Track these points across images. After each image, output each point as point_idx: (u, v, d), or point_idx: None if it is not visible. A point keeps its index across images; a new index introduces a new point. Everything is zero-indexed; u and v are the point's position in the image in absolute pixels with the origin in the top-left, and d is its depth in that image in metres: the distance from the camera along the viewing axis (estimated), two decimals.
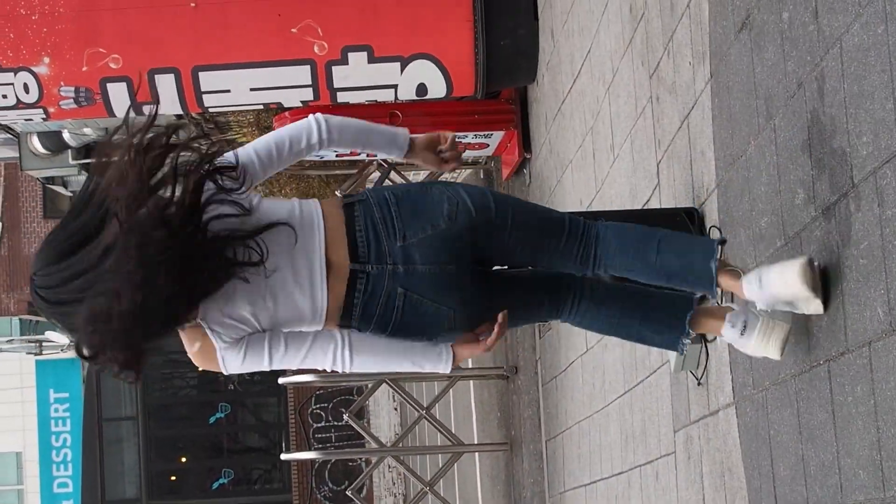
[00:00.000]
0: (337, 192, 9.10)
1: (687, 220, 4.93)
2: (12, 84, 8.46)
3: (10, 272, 25.50)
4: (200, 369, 3.84)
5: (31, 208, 25.58)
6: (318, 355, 3.71)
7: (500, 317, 3.69)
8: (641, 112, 5.96)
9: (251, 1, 8.46)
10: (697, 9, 4.96)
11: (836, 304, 3.53)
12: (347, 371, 3.76)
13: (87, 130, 12.95)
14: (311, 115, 3.85)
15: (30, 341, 28.30)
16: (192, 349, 3.70)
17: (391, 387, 10.52)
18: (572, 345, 7.70)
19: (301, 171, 10.64)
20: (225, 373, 3.76)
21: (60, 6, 8.39)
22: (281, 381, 11.11)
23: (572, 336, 7.69)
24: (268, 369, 3.76)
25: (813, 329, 3.73)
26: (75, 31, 8.45)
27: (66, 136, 13.43)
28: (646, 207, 5.75)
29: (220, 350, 3.67)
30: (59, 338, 27.29)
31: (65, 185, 16.38)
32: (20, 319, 28.01)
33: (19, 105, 8.56)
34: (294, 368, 3.81)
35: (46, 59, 8.42)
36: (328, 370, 3.76)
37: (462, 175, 12.18)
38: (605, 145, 6.72)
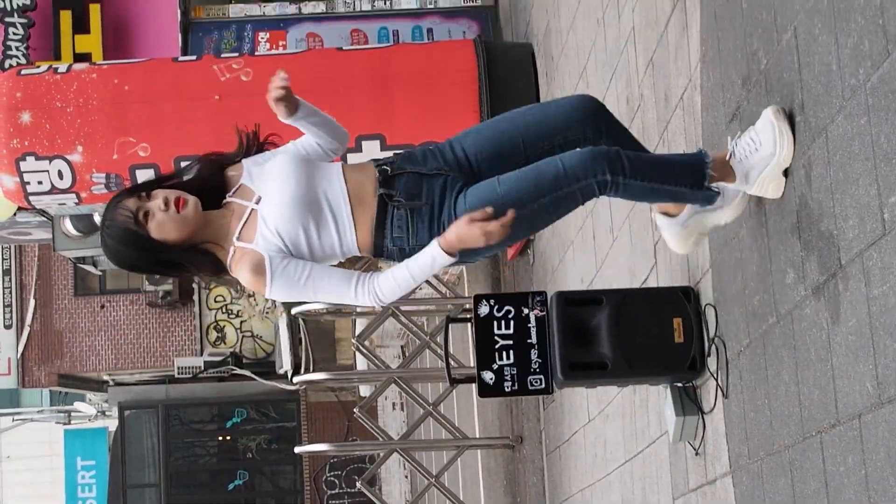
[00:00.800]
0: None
1: (683, 299, 4.93)
2: (47, 171, 8.51)
3: (42, 346, 25.45)
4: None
5: (62, 286, 25.58)
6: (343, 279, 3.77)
7: (509, 214, 3.63)
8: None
9: None
10: (690, 101, 4.99)
11: (826, 378, 3.52)
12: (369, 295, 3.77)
13: None
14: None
15: (59, 411, 28.25)
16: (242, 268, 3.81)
17: (402, 456, 10.45)
18: (575, 415, 7.66)
19: None
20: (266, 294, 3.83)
21: (94, 99, 8.47)
22: (297, 450, 11.09)
23: (575, 407, 7.66)
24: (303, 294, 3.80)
25: (804, 401, 3.72)
26: (107, 122, 8.52)
27: (96, 218, 13.48)
28: (644, 286, 5.75)
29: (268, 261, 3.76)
30: (86, 408, 27.27)
31: (94, 265, 16.44)
32: (50, 391, 27.96)
33: (53, 190, 8.61)
34: (326, 295, 3.82)
35: (80, 148, 8.48)
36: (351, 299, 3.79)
37: None
38: (604, 227, 6.73)
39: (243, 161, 3.96)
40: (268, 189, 3.82)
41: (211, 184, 3.93)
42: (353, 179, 3.83)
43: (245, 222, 3.82)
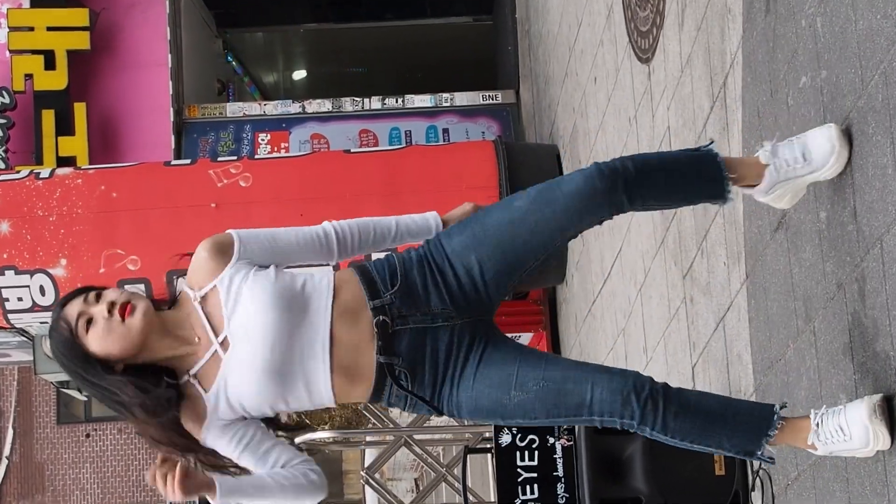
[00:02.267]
0: None
1: None
2: (28, 286, 8.53)
3: (22, 479, 25.37)
4: None
5: (44, 413, 25.56)
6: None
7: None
8: (675, 313, 5.95)
9: (272, 202, 8.56)
10: (731, 208, 4.98)
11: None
12: None
13: None
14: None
15: None
16: None
17: None
18: None
19: None
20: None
21: (79, 207, 8.52)
22: None
23: None
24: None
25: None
26: (93, 233, 8.55)
27: None
28: None
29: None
30: None
31: (79, 390, 16.36)
32: None
33: (35, 308, 8.63)
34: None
35: (63, 261, 8.51)
36: None
37: None
38: (637, 347, 6.70)
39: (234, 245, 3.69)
40: (238, 337, 3.58)
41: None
42: (345, 342, 3.60)
43: (209, 360, 3.61)
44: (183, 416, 3.62)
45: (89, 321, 3.54)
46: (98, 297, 3.57)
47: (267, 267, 3.66)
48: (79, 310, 3.55)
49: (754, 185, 3.76)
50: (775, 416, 3.55)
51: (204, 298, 3.63)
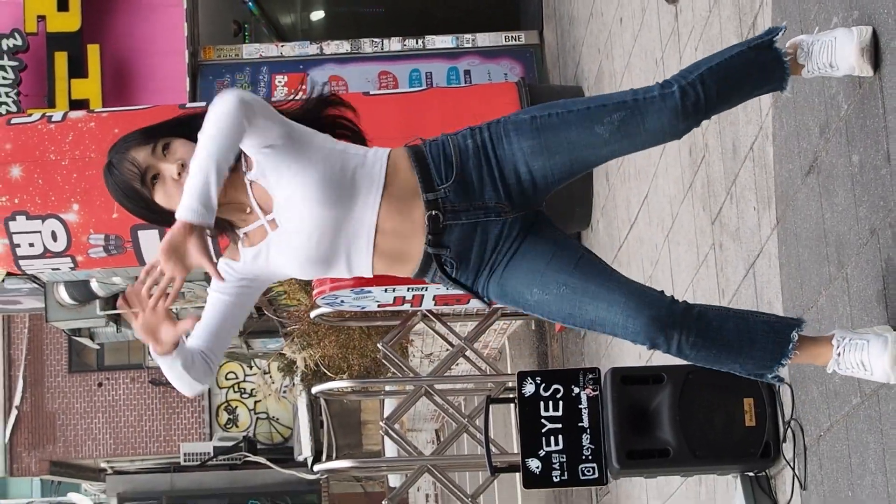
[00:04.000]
0: (379, 345, 9.11)
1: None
2: (40, 232, 8.55)
3: (33, 430, 25.54)
4: None
5: (55, 362, 25.69)
6: None
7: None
8: (703, 260, 5.97)
9: None
10: (761, 151, 4.98)
11: None
12: None
13: (116, 280, 13.04)
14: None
15: (51, 503, 28.27)
16: None
17: None
18: None
19: (341, 321, 10.67)
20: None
21: (92, 151, 8.53)
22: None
23: (633, 500, 7.60)
24: None
25: (893, 493, 3.67)
26: None
27: (94, 285, 13.54)
28: None
29: None
30: (81, 499, 27.27)
31: (92, 338, 16.47)
32: (41, 480, 28.01)
33: (46, 254, 8.65)
34: None
35: (76, 206, 8.53)
36: None
37: (511, 328, 12.18)
38: (666, 290, 6.71)
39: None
40: (285, 221, 3.64)
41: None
42: (392, 232, 3.66)
43: (254, 229, 3.69)
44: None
45: (155, 176, 3.63)
46: (165, 150, 3.63)
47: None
48: (148, 161, 3.63)
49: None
50: (790, 346, 3.65)
51: (253, 181, 3.67)
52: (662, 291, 3.68)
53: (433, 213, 3.66)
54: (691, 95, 3.64)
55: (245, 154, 3.64)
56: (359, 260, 3.70)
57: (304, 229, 3.63)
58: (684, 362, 3.75)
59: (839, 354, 3.64)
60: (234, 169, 3.61)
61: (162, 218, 3.67)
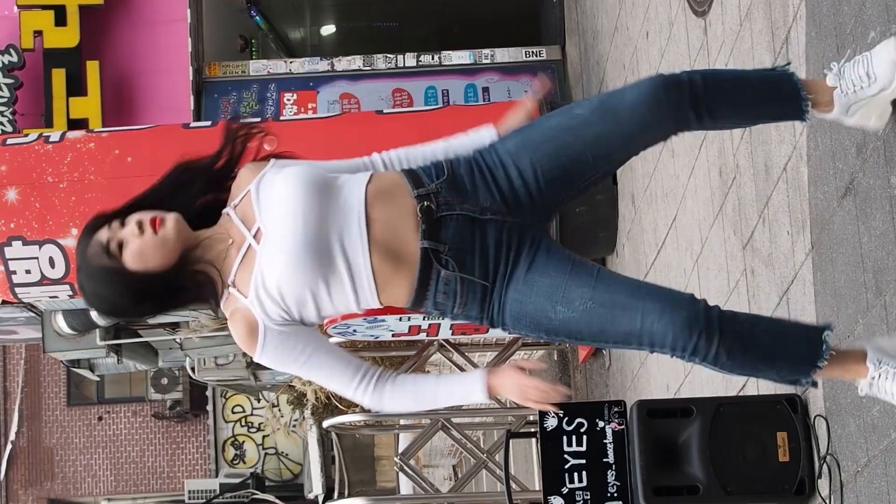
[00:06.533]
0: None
1: (788, 409, 4.89)
2: (37, 258, 8.56)
3: (30, 465, 25.57)
4: None
5: (53, 394, 25.74)
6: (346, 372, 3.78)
7: (561, 391, 3.66)
8: (735, 287, 5.96)
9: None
10: (795, 173, 4.98)
11: None
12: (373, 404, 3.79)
13: None
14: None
15: None
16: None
17: None
18: None
19: (355, 351, 10.68)
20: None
21: (91, 173, 8.54)
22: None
23: None
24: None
25: None
26: (106, 200, 8.55)
27: (94, 314, 13.54)
28: (741, 395, 5.72)
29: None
30: None
31: (91, 369, 16.48)
32: None
33: (44, 281, 8.66)
34: (320, 381, 3.83)
35: (74, 231, 8.54)
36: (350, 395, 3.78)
37: (533, 357, 12.18)
38: None
39: (270, 160, 3.93)
40: (269, 222, 3.70)
41: (204, 199, 3.89)
42: (382, 220, 3.70)
43: (243, 259, 3.72)
44: (239, 334, 3.73)
45: (120, 244, 3.69)
46: (122, 223, 3.71)
47: None
48: (107, 237, 3.69)
49: (828, 112, 3.81)
50: (824, 347, 3.65)
51: (237, 205, 3.80)
52: (692, 294, 3.67)
53: (425, 204, 3.70)
54: (679, 75, 3.69)
55: (223, 186, 3.86)
56: (354, 249, 3.68)
57: (290, 213, 3.67)
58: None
59: (874, 378, 3.65)
60: (215, 218, 3.81)
61: (148, 287, 3.71)
